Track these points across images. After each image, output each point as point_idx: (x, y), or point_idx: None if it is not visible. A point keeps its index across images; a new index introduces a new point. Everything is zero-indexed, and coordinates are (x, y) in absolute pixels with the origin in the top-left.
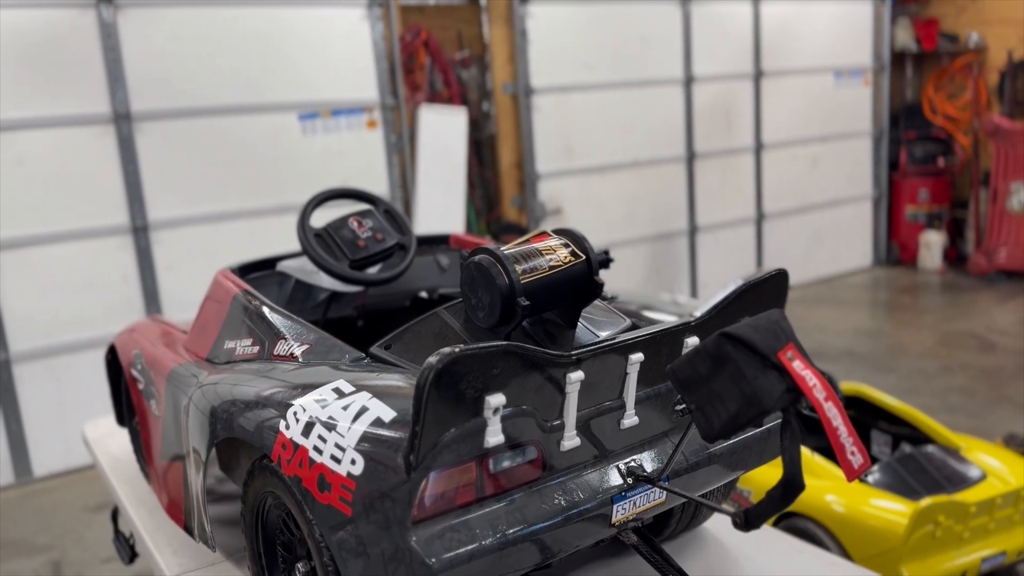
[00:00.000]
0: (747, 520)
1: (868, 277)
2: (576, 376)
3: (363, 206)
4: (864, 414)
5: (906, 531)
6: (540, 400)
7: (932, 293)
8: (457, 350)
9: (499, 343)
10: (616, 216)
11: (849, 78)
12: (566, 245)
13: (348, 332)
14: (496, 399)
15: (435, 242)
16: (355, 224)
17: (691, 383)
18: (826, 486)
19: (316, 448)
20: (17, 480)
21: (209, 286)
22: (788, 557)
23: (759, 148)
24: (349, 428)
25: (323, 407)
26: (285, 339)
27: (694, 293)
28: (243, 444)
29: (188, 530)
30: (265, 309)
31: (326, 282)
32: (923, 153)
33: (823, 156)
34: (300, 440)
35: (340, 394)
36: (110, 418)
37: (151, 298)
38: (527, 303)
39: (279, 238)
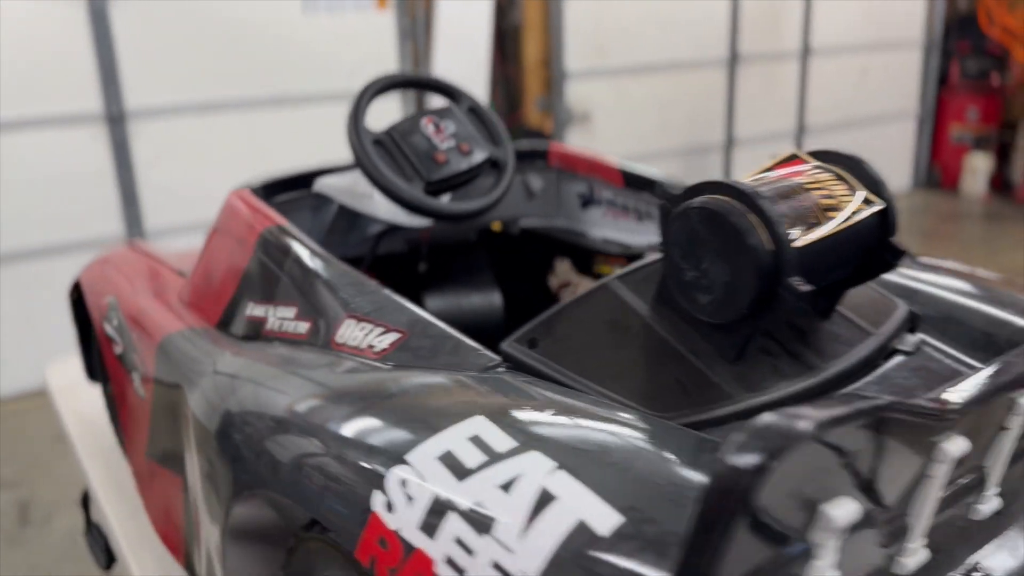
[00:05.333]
0: None
1: (905, 202)
2: (955, 447)
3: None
4: None
5: None
6: (884, 493)
7: (975, 222)
8: (819, 417)
9: (877, 400)
10: (648, 125)
11: None
12: (840, 180)
13: (397, 276)
14: (846, 510)
15: (527, 156)
16: (431, 128)
17: None
18: None
19: (452, 563)
20: None
21: (220, 213)
22: None
23: (806, 53)
24: (524, 536)
25: (460, 478)
26: (358, 319)
27: None
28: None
29: (189, 568)
30: (320, 264)
31: (383, 211)
32: (976, 68)
33: (872, 67)
34: (417, 539)
35: (486, 450)
36: (78, 357)
37: (129, 199)
38: (807, 288)
39: (278, 133)
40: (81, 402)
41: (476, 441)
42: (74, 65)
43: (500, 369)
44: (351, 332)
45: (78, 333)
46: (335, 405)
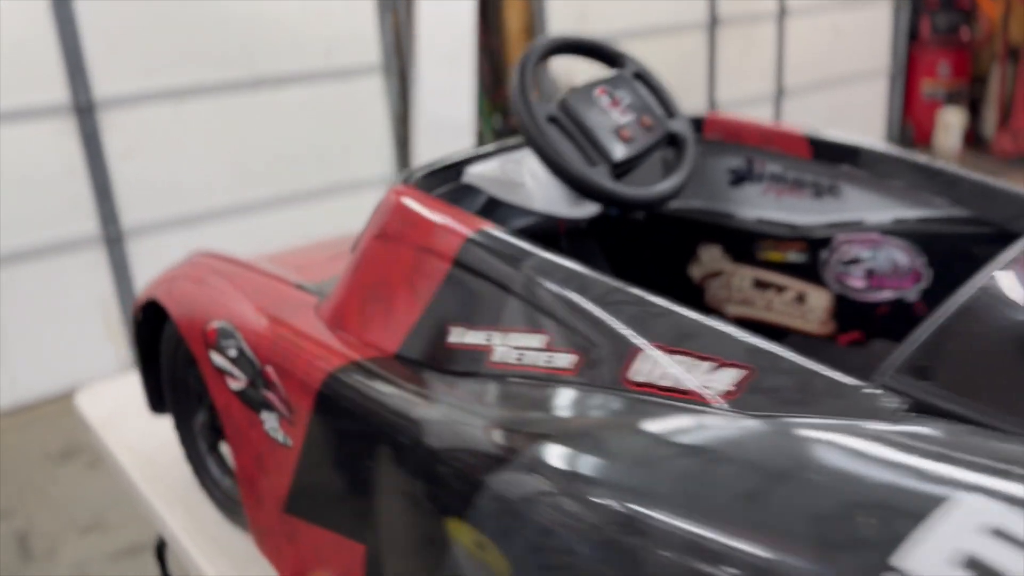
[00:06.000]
0: None
1: None
2: None
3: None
4: None
5: None
6: None
7: None
8: None
9: None
10: None
11: None
12: None
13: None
14: None
15: None
16: (605, 99)
17: None
18: None
19: None
20: None
21: (377, 215)
22: None
23: (782, 13)
24: None
25: None
26: (666, 351)
27: None
28: None
29: None
30: (579, 277)
31: (539, 201)
32: (946, 23)
33: (843, 25)
34: None
35: None
36: (110, 383)
37: (103, 194)
38: None
39: (256, 117)
40: (132, 437)
41: (1001, 536)
42: (36, 53)
43: (906, 413)
44: (659, 368)
45: (141, 361)
46: (704, 477)
